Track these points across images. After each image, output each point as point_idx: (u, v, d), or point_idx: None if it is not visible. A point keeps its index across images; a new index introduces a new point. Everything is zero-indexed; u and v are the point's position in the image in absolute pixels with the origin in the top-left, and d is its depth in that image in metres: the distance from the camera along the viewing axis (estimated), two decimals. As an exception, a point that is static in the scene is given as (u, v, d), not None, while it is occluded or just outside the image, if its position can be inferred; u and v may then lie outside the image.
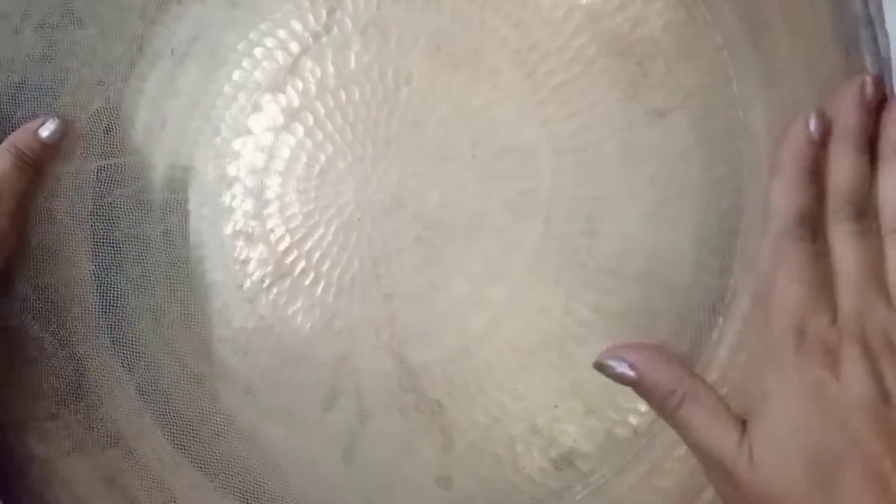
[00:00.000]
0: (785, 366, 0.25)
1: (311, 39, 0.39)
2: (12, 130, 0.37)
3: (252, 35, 0.39)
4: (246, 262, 0.39)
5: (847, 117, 0.28)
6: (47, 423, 0.32)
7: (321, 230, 0.38)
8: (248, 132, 0.39)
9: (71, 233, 0.39)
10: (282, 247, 0.39)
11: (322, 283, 0.38)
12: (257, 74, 0.39)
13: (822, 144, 0.28)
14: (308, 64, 0.38)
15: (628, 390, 0.30)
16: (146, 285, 0.40)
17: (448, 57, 0.38)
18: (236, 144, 0.39)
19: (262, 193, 0.39)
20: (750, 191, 0.36)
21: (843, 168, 0.27)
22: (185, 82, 0.39)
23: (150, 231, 0.40)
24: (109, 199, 0.39)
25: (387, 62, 0.38)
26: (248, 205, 0.39)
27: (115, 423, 0.38)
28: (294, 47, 0.39)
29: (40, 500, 0.35)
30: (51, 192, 0.38)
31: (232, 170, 0.39)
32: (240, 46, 0.39)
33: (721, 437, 0.26)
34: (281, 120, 0.39)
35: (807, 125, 0.28)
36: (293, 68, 0.39)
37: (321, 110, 0.38)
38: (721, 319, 0.36)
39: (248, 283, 0.39)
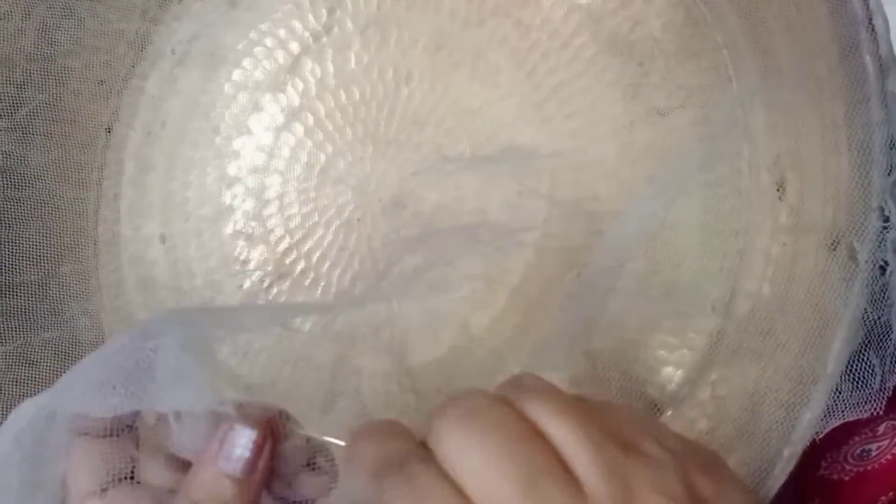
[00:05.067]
0: None
1: (311, 39, 0.38)
2: (12, 129, 0.37)
3: (252, 34, 0.39)
4: (246, 262, 0.39)
5: None
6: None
7: (321, 230, 0.38)
8: (249, 132, 0.39)
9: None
10: (282, 247, 0.39)
11: (322, 284, 0.38)
12: (257, 74, 0.39)
13: None
14: (308, 63, 0.38)
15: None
16: (147, 285, 0.40)
17: (448, 56, 0.38)
18: (236, 144, 0.39)
19: (262, 193, 0.39)
20: (749, 191, 0.36)
21: None
22: (186, 82, 0.39)
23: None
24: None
25: (387, 62, 0.38)
26: (249, 205, 0.39)
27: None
28: (294, 47, 0.39)
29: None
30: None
31: (232, 169, 0.39)
32: (240, 46, 0.39)
33: None
34: (281, 119, 0.39)
35: None
36: (293, 68, 0.39)
37: (321, 110, 0.38)
38: (721, 320, 0.36)
39: (247, 284, 0.39)
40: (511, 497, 0.20)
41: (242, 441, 0.25)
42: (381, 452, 0.22)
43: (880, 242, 0.31)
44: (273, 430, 0.26)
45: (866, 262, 0.31)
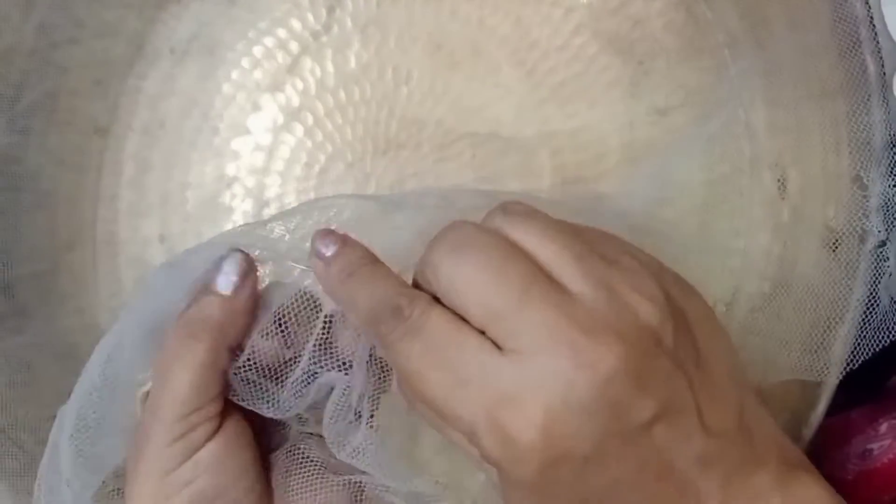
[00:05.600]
0: None
1: (310, 38, 0.38)
2: (9, 129, 0.37)
3: (251, 34, 0.39)
4: (245, 262, 0.39)
5: None
6: (49, 423, 0.32)
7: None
8: (248, 132, 0.39)
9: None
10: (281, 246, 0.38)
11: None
12: (256, 74, 0.39)
13: None
14: (307, 63, 0.38)
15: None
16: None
17: (448, 56, 0.38)
18: (235, 144, 0.39)
19: (261, 194, 0.39)
20: (751, 190, 0.36)
21: None
22: (184, 81, 0.39)
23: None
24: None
25: (386, 61, 0.38)
26: (248, 205, 0.39)
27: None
28: (293, 46, 0.38)
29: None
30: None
31: (231, 170, 0.39)
32: (239, 45, 0.39)
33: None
34: (280, 119, 0.39)
35: None
36: (292, 67, 0.38)
37: (321, 110, 0.38)
38: (723, 320, 0.36)
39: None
40: (508, 308, 0.22)
41: (230, 265, 0.28)
42: (371, 298, 0.25)
43: (882, 242, 0.31)
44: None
45: (867, 260, 0.32)
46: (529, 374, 0.22)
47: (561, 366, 0.22)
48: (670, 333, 0.23)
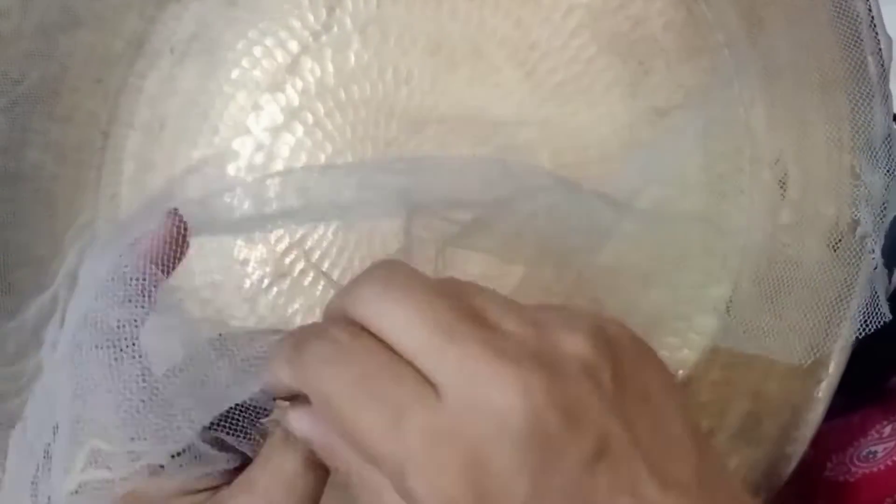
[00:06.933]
0: None
1: (310, 38, 0.38)
2: (9, 129, 0.37)
3: (251, 34, 0.39)
4: (245, 262, 0.39)
5: None
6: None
7: (320, 230, 0.38)
8: (248, 131, 0.39)
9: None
10: (281, 247, 0.38)
11: (321, 284, 0.38)
12: (256, 73, 0.39)
13: None
14: (308, 63, 0.38)
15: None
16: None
17: (448, 56, 0.38)
18: (235, 144, 0.39)
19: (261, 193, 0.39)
20: (751, 189, 0.36)
21: None
22: (184, 81, 0.39)
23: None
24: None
25: (386, 61, 0.38)
26: (248, 205, 0.39)
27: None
28: (293, 46, 0.38)
29: None
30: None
31: (231, 169, 0.39)
32: (239, 45, 0.39)
33: None
34: (280, 119, 0.39)
35: None
36: (292, 67, 0.38)
37: (321, 109, 0.38)
38: (723, 320, 0.36)
39: (247, 284, 0.39)
40: (437, 343, 0.22)
41: None
42: (296, 333, 0.25)
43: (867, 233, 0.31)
44: None
45: (868, 259, 0.31)
46: (460, 408, 0.21)
47: (489, 398, 0.21)
48: (608, 372, 0.22)
